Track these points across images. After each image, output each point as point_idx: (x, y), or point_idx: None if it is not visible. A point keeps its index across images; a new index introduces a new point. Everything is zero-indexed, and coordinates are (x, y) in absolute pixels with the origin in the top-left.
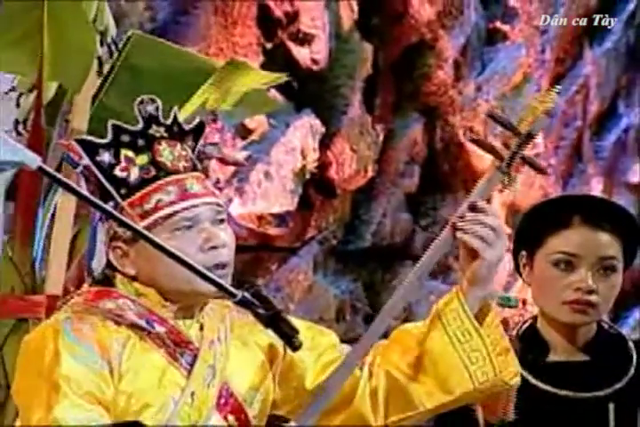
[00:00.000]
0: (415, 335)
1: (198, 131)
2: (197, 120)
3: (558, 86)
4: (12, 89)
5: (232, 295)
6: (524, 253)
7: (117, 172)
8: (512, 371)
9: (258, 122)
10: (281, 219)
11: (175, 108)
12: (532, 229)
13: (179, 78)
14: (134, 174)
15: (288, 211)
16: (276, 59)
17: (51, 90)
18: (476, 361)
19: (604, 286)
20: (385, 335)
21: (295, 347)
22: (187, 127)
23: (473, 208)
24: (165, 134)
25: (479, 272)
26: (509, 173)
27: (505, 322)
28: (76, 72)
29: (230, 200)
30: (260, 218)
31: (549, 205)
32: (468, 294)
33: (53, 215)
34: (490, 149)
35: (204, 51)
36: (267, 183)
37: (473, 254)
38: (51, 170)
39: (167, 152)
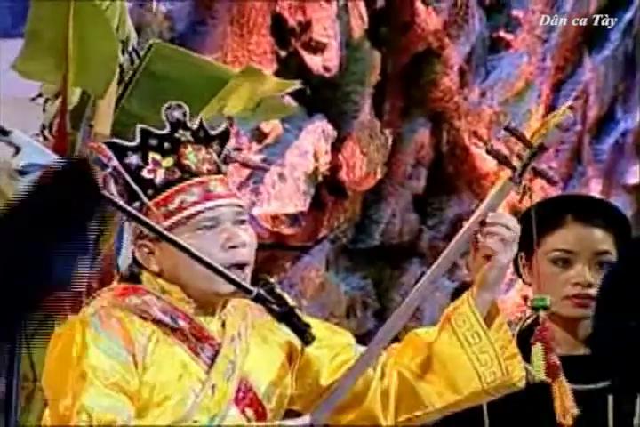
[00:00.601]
0: (426, 338)
1: (224, 136)
2: (224, 126)
3: (570, 104)
4: (39, 95)
5: (248, 292)
6: (522, 254)
7: (144, 173)
8: (519, 374)
9: (272, 126)
10: (294, 219)
11: (202, 114)
12: (527, 232)
13: (197, 85)
14: (160, 176)
15: (301, 211)
16: (290, 66)
17: (75, 96)
18: (485, 363)
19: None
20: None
21: (307, 341)
22: (213, 132)
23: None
24: (191, 138)
25: (489, 275)
26: (521, 183)
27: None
28: (100, 79)
29: (254, 203)
30: (275, 218)
31: (542, 207)
32: (478, 298)
33: None
34: (503, 160)
35: (221, 59)
36: (281, 185)
37: (486, 258)
38: None
39: (192, 155)
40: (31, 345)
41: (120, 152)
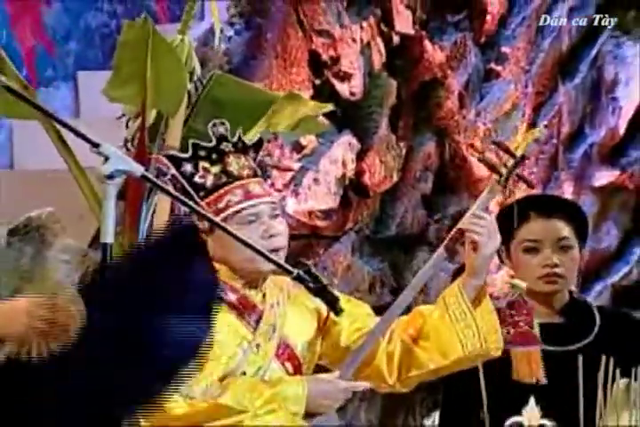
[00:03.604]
0: (425, 314)
1: (258, 146)
2: (257, 138)
3: (545, 124)
4: (123, 115)
5: (289, 273)
6: (502, 248)
7: (197, 179)
8: (495, 346)
9: (309, 140)
10: (326, 214)
11: (240, 129)
12: (502, 228)
13: (249, 107)
14: (210, 181)
15: (332, 208)
16: (323, 92)
17: (152, 116)
18: (468, 336)
19: (566, 259)
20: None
21: (337, 312)
22: (248, 143)
23: (475, 216)
24: (232, 149)
25: (476, 263)
26: (506, 186)
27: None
28: (172, 102)
29: (294, 202)
30: (311, 213)
31: (510, 208)
32: (467, 283)
33: (154, 211)
34: (492, 168)
35: (268, 86)
36: (315, 187)
37: (474, 250)
38: (152, 177)
39: (234, 163)
40: None
41: (176, 162)
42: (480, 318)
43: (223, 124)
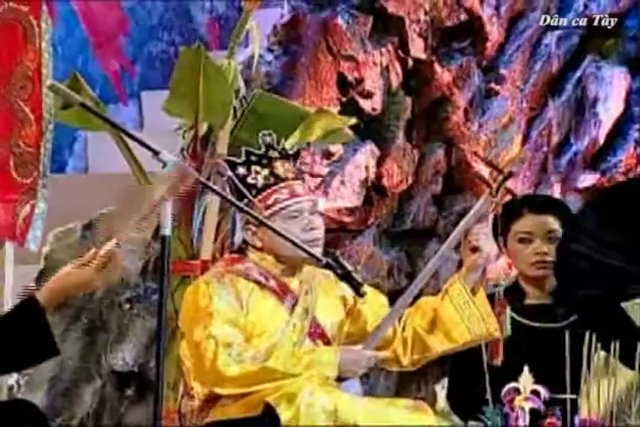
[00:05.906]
0: (432, 305)
1: (297, 154)
2: (296, 148)
3: (526, 150)
4: (179, 128)
5: (319, 261)
6: (500, 238)
7: (249, 180)
8: (495, 328)
9: (337, 148)
10: (351, 211)
11: (282, 139)
12: (500, 222)
13: (286, 120)
14: (260, 182)
15: (356, 206)
16: (349, 108)
17: (204, 128)
18: (472, 322)
19: (554, 249)
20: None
21: (360, 295)
22: (290, 152)
23: (478, 228)
24: (278, 156)
25: (477, 262)
26: (496, 197)
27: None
28: (220, 116)
29: (324, 201)
30: (338, 210)
31: (508, 205)
32: (467, 277)
33: (205, 208)
34: (486, 183)
35: (302, 103)
36: (342, 188)
37: (473, 250)
38: (203, 179)
39: (280, 167)
40: (175, 296)
41: (232, 166)
42: (480, 306)
43: (270, 135)
